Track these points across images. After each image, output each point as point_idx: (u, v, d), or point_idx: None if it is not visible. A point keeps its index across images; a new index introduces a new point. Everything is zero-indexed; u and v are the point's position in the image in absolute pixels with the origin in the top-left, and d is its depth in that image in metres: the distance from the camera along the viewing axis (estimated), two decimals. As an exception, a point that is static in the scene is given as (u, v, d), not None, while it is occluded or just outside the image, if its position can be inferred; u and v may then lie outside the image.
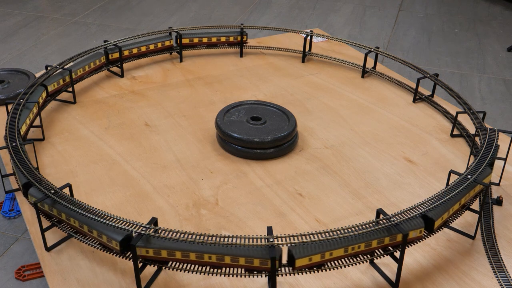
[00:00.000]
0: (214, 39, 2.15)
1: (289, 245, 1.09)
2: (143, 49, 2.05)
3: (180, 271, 1.12)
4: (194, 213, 1.39)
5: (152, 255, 1.10)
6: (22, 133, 1.49)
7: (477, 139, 1.65)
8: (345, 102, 1.92)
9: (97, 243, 1.18)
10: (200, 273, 1.11)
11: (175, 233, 1.10)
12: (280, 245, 1.09)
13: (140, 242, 1.10)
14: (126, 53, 2.01)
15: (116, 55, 1.98)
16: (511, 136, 1.54)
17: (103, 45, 2.00)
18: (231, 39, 2.17)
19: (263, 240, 1.09)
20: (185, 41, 2.12)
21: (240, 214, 1.39)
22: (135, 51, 2.03)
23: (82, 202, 1.20)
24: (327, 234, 1.11)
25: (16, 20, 3.06)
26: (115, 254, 1.16)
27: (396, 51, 2.79)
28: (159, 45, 2.09)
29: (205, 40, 2.14)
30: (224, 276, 1.18)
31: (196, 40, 2.13)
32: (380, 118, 1.83)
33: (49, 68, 1.80)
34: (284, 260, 1.11)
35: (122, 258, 1.15)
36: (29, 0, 3.35)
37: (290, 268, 1.10)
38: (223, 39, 2.16)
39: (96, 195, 1.44)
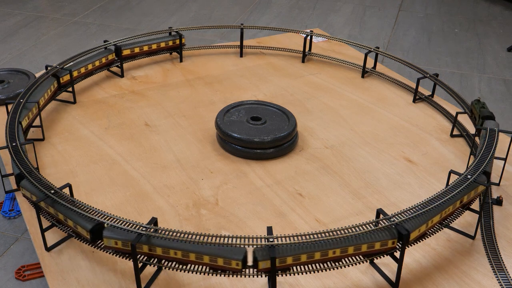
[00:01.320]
0: (154, 46, 2.08)
1: (399, 223, 1.13)
2: (90, 66, 1.91)
3: (180, 271, 1.12)
4: (194, 213, 1.39)
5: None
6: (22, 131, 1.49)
7: (477, 139, 1.65)
8: (345, 102, 1.92)
9: None
10: (200, 273, 1.11)
11: (175, 233, 1.10)
12: (393, 225, 1.12)
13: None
14: (77, 72, 1.87)
15: (67, 77, 1.81)
16: (511, 136, 1.54)
17: (103, 45, 2.00)
18: (171, 43, 2.12)
19: (263, 240, 1.09)
20: (126, 52, 2.01)
21: (240, 214, 1.39)
22: (83, 70, 1.89)
23: (83, 202, 1.20)
24: (327, 234, 1.11)
25: (16, 20, 3.06)
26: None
27: (396, 51, 2.79)
28: (104, 60, 1.95)
29: (146, 48, 2.06)
30: (224, 276, 1.18)
31: (137, 50, 2.04)
32: (380, 118, 1.83)
33: (49, 68, 1.80)
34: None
35: (122, 258, 1.16)
36: (29, 0, 3.35)
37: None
38: (162, 44, 2.10)
39: (96, 195, 1.44)
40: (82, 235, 1.17)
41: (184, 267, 1.12)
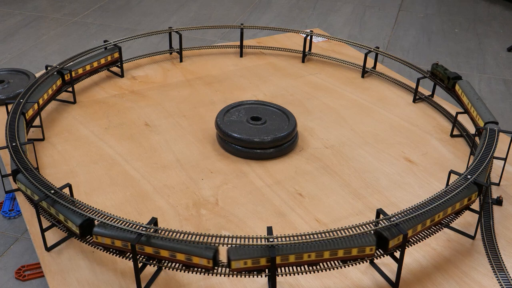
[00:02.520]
0: (95, 64, 1.93)
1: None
2: (88, 67, 1.88)
3: (180, 271, 1.12)
4: (194, 213, 1.39)
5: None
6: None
7: (477, 139, 1.65)
8: (345, 102, 1.92)
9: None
10: (200, 273, 1.11)
11: (175, 233, 1.10)
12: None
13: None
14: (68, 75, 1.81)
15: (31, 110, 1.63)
16: (511, 136, 1.54)
17: (103, 45, 2.00)
18: (109, 58, 1.98)
19: (263, 240, 1.09)
20: (73, 74, 1.84)
21: (240, 214, 1.39)
22: (80, 71, 1.85)
23: (82, 202, 1.20)
24: (327, 234, 1.11)
25: (16, 20, 3.06)
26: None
27: (396, 51, 2.79)
28: (54, 87, 1.79)
29: (88, 67, 1.90)
30: (224, 276, 1.18)
31: (80, 71, 1.87)
32: (380, 118, 1.83)
33: (49, 68, 1.80)
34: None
35: (122, 258, 1.16)
36: (29, 0, 3.35)
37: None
38: (102, 61, 1.95)
39: (96, 195, 1.44)
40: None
41: (184, 267, 1.12)
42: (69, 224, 1.18)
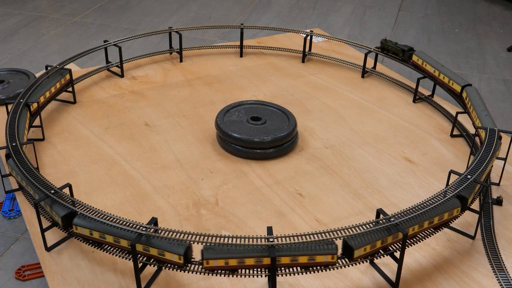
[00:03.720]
0: (47, 94, 1.73)
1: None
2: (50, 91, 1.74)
3: (180, 271, 1.12)
4: (194, 213, 1.39)
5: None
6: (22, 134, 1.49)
7: (477, 139, 1.65)
8: (345, 102, 1.92)
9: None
10: (200, 273, 1.11)
11: (175, 233, 1.10)
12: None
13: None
14: (35, 105, 1.64)
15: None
16: (511, 136, 1.54)
17: (103, 45, 2.00)
18: (63, 81, 1.80)
19: (263, 240, 1.09)
20: (35, 105, 1.64)
21: (240, 214, 1.39)
22: (42, 99, 1.69)
23: (83, 202, 1.20)
24: (327, 234, 1.11)
25: (16, 20, 3.06)
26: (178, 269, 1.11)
27: (396, 51, 2.78)
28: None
29: (48, 94, 1.73)
30: (224, 276, 1.18)
31: (42, 99, 1.70)
32: (380, 118, 1.83)
33: (49, 68, 1.80)
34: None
35: (123, 258, 1.16)
36: (29, 0, 3.35)
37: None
38: (53, 89, 1.76)
39: (96, 195, 1.44)
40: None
41: (185, 267, 1.12)
42: (167, 256, 1.11)
